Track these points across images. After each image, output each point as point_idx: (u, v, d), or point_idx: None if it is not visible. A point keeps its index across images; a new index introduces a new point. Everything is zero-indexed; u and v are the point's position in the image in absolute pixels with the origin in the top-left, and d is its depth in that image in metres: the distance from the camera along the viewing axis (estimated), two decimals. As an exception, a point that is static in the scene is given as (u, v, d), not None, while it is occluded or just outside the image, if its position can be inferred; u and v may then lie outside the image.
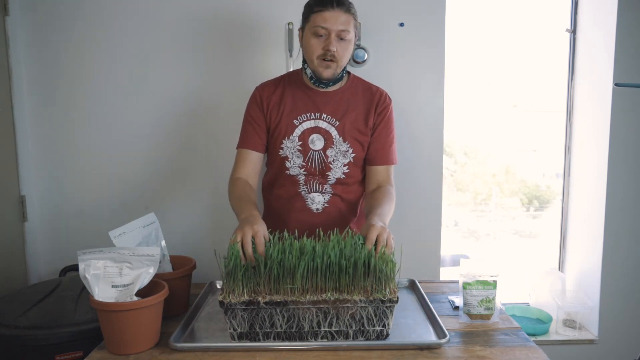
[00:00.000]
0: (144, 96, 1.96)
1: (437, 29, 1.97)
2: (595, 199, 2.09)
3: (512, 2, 2.32)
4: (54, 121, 1.96)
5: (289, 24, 1.93)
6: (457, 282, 1.34)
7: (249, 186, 1.50)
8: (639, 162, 2.03)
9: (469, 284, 1.25)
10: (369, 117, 1.55)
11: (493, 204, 2.67)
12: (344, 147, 1.54)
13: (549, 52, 2.32)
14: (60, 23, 1.92)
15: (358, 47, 1.94)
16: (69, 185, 1.99)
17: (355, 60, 1.94)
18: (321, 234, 1.23)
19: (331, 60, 1.45)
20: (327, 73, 1.47)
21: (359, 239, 1.20)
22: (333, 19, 1.41)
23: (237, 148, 1.59)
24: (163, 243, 1.41)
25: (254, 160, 1.56)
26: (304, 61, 1.53)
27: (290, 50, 1.94)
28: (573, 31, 2.17)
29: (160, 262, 1.25)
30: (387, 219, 1.40)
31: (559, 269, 2.32)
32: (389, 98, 1.60)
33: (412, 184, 2.02)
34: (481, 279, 1.25)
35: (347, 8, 1.45)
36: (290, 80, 1.59)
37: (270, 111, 1.55)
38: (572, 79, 2.21)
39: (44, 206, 1.99)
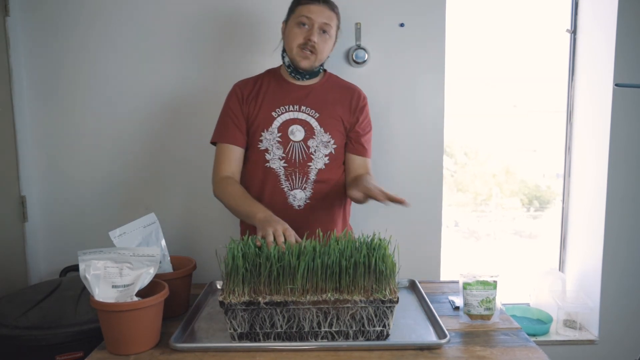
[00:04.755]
0: (145, 96, 1.96)
1: (437, 29, 1.97)
2: (595, 199, 2.09)
3: (512, 2, 2.32)
4: (54, 121, 1.96)
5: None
6: (457, 282, 1.34)
7: (240, 185, 1.50)
8: (639, 162, 2.03)
9: (469, 284, 1.25)
10: (347, 113, 1.57)
11: (493, 204, 2.66)
12: (326, 137, 1.55)
13: (549, 52, 2.32)
14: (60, 23, 1.92)
15: (358, 47, 1.94)
16: (69, 186, 1.99)
17: (355, 61, 1.94)
18: (321, 234, 1.23)
19: (311, 52, 1.48)
20: (304, 63, 1.49)
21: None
22: (318, 11, 1.47)
23: (215, 141, 1.57)
24: (163, 243, 1.41)
25: (237, 157, 1.55)
26: (284, 52, 1.55)
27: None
28: (573, 31, 2.17)
29: (160, 262, 1.25)
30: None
31: (559, 269, 2.31)
32: (365, 97, 1.63)
33: (413, 184, 2.02)
34: (481, 279, 1.25)
35: (333, 7, 1.52)
36: (268, 74, 1.62)
37: (248, 104, 1.56)
38: (572, 79, 2.21)
39: (44, 206, 2.00)
